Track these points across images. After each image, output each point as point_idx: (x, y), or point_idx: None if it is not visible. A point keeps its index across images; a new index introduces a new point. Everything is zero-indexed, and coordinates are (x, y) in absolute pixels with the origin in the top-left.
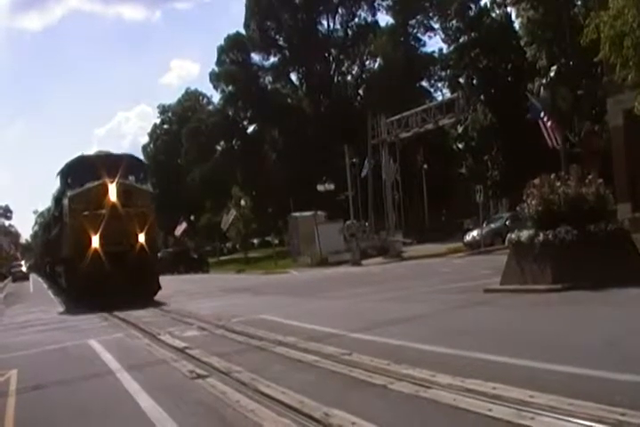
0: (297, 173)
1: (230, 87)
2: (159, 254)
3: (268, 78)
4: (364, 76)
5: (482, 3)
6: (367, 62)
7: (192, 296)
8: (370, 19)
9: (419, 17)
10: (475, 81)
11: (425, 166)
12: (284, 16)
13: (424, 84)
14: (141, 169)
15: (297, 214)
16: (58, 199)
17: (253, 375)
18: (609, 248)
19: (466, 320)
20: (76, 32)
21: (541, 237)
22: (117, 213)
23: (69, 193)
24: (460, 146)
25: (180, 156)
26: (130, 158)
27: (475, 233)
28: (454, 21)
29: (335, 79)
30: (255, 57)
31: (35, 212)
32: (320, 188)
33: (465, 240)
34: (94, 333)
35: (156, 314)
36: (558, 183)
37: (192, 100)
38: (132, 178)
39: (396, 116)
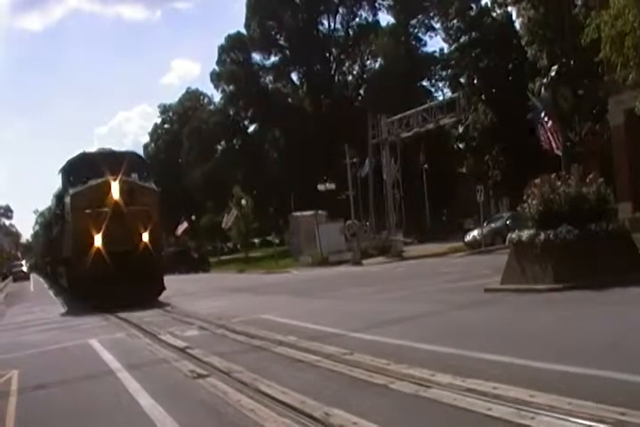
0: (298, 173)
1: (231, 87)
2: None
3: (269, 78)
4: (364, 75)
5: (482, 2)
6: (368, 62)
7: (193, 296)
8: (371, 18)
9: (420, 17)
10: (475, 81)
11: (426, 166)
12: (284, 16)
13: (425, 83)
14: (144, 167)
15: (298, 214)
16: (59, 197)
17: (254, 375)
18: (610, 248)
19: (466, 320)
20: (76, 32)
21: (542, 236)
22: (120, 211)
23: (71, 191)
24: (461, 145)
25: (181, 155)
26: (133, 155)
27: (475, 233)
28: (455, 21)
29: (336, 79)
30: (256, 57)
31: (35, 211)
32: (321, 187)
33: (465, 240)
34: (95, 332)
35: (156, 314)
36: (559, 183)
37: (193, 99)
38: (134, 175)
39: (397, 116)
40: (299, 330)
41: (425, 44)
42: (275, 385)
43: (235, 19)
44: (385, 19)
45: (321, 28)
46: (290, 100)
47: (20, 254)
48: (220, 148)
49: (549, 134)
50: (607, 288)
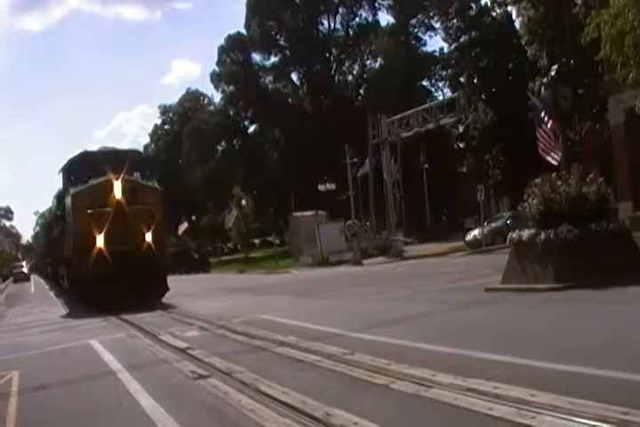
0: (298, 173)
1: (231, 87)
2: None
3: (269, 78)
4: (364, 75)
5: (482, 2)
6: (368, 62)
7: (193, 296)
8: (370, 18)
9: (419, 16)
10: (475, 80)
11: (426, 166)
12: (284, 16)
13: (425, 83)
14: (147, 165)
15: (298, 214)
16: (60, 197)
17: (255, 375)
18: (610, 247)
19: (467, 320)
20: (76, 32)
21: (543, 236)
22: (123, 210)
23: (72, 190)
24: (461, 145)
25: (182, 156)
26: (135, 154)
27: (476, 232)
28: (455, 21)
29: (336, 79)
30: (256, 57)
31: (35, 213)
32: (321, 187)
33: (466, 239)
34: (95, 333)
35: (156, 314)
36: (559, 182)
37: (193, 100)
38: (137, 174)
39: (397, 116)
40: (299, 330)
41: (425, 44)
42: (275, 385)
43: (235, 19)
44: (385, 18)
45: (321, 28)
46: (290, 100)
47: (20, 256)
48: (220, 148)
49: (548, 143)
50: (608, 288)
